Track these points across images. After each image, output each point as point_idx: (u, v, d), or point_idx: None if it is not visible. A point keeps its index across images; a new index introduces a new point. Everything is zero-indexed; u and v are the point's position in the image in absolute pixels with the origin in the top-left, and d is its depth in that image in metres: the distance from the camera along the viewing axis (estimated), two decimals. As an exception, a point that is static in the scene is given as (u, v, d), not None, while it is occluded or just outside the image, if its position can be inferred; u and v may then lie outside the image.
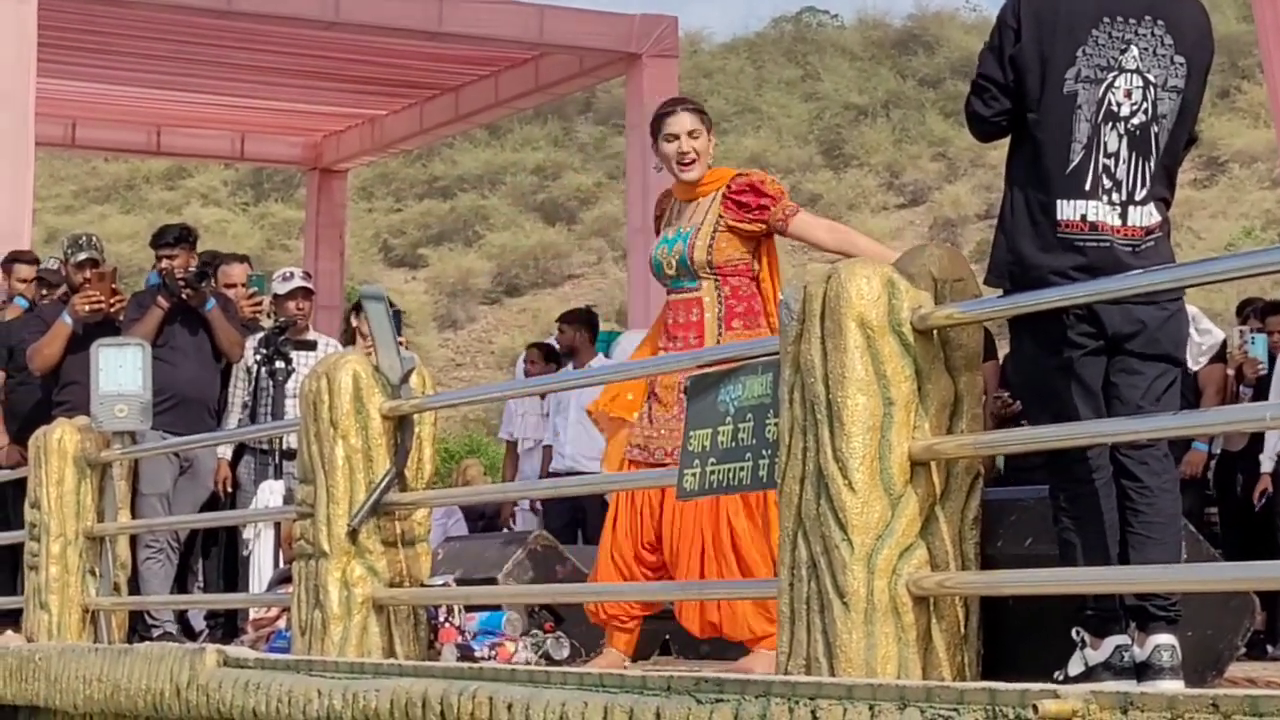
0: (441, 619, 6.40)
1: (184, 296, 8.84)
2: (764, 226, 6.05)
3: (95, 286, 9.04)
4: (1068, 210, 4.50)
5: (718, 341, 5.96)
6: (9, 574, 9.27)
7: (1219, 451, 9.51)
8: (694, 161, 6.15)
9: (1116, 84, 4.53)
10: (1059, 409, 4.50)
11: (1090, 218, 4.49)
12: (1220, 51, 10.63)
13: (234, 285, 9.48)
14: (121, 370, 7.79)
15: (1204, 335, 9.38)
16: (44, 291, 10.11)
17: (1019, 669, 4.23)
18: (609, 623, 6.13)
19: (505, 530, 11.89)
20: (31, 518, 8.01)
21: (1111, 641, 4.40)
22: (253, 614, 7.94)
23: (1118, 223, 4.51)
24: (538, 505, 11.48)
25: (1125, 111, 4.53)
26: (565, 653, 6.55)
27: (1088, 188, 4.50)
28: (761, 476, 4.70)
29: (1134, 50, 4.54)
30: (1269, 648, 8.39)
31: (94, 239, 9.53)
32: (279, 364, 8.86)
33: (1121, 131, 4.53)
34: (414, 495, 6.08)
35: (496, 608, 6.64)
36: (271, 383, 8.88)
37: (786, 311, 4.48)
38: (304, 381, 6.22)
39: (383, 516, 6.03)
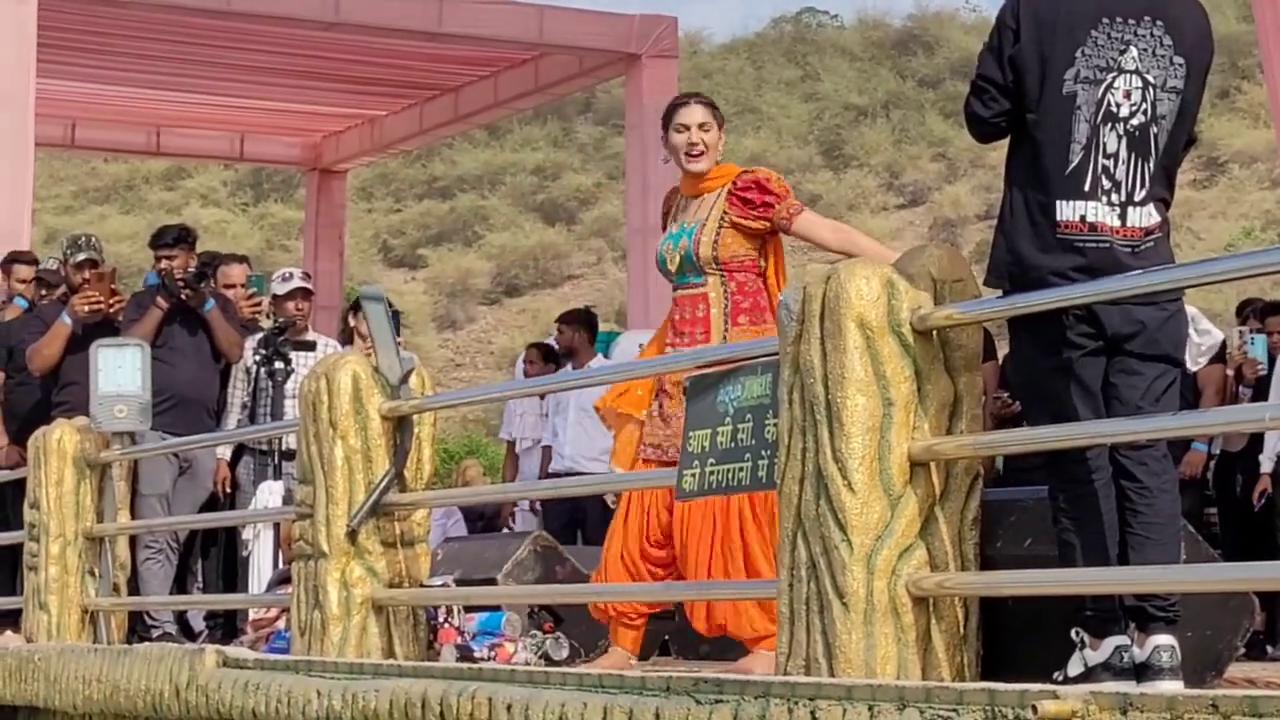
0: (441, 619, 6.39)
1: (183, 297, 8.84)
2: (768, 224, 6.04)
3: (94, 287, 9.04)
4: (1067, 211, 4.50)
5: (724, 337, 5.95)
6: (8, 574, 9.26)
7: (1218, 452, 9.51)
8: (702, 154, 6.13)
9: (1116, 85, 4.53)
10: (1058, 409, 4.50)
11: (1090, 218, 4.49)
12: (1220, 51, 10.62)
13: (233, 286, 9.47)
14: (121, 371, 7.79)
15: (1203, 336, 9.37)
16: (43, 292, 10.10)
17: (1018, 670, 4.22)
18: (616, 620, 6.09)
19: (505, 531, 11.88)
20: (31, 518, 8.00)
21: (1111, 642, 4.40)
22: (252, 614, 7.93)
23: (1117, 223, 4.51)
24: (537, 506, 11.47)
25: (1124, 112, 4.53)
26: (565, 653, 6.55)
27: (1087, 188, 4.50)
28: (761, 477, 4.70)
29: (1133, 51, 4.54)
30: (1268, 648, 8.39)
31: (93, 239, 9.53)
32: (278, 364, 8.86)
33: (1121, 132, 4.53)
34: (413, 496, 6.07)
35: (496, 608, 6.63)
36: (271, 383, 8.87)
37: (786, 312, 4.48)
38: (303, 382, 6.21)
39: (382, 517, 6.03)
